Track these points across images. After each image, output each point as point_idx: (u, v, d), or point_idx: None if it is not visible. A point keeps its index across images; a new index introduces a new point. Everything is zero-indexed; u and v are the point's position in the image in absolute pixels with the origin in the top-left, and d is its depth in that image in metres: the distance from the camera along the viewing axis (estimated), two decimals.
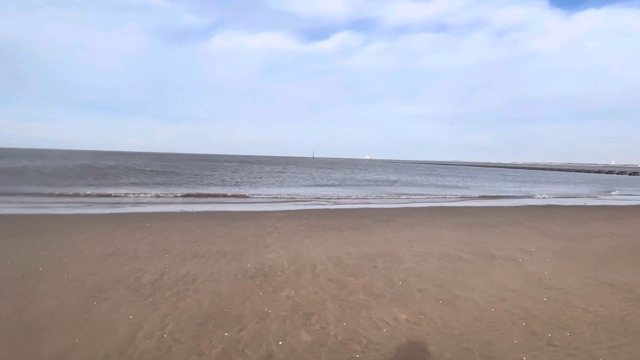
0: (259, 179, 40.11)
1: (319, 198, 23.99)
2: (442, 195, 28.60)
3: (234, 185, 32.18)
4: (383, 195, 27.35)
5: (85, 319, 5.09)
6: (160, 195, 22.77)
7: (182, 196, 22.75)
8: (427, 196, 27.33)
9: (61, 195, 21.14)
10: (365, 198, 25.22)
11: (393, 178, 50.70)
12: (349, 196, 25.91)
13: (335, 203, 21.56)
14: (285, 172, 56.80)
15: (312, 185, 34.54)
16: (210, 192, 25.13)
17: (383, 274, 7.51)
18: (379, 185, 37.41)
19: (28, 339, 4.51)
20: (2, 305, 5.47)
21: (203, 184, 31.61)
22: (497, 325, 5.28)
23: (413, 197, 26.66)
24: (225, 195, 23.89)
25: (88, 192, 22.60)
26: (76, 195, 21.40)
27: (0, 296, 5.83)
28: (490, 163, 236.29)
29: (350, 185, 36.39)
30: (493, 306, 5.96)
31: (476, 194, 29.58)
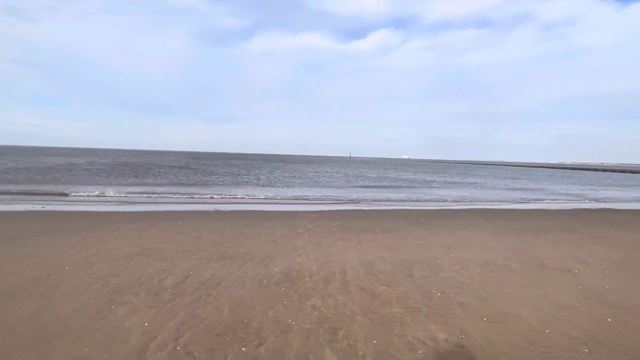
0: (293, 179, 40.00)
1: (352, 200, 23.38)
2: (483, 198, 27.22)
3: (268, 184, 32.16)
4: (420, 196, 26.36)
5: (99, 325, 4.83)
6: (195, 194, 22.98)
7: (215, 196, 22.86)
8: (471, 200, 26.08)
9: (101, 194, 21.75)
10: (401, 200, 24.35)
11: (429, 178, 49.18)
12: (388, 198, 25.14)
13: (370, 204, 20.90)
14: (319, 172, 56.50)
15: (346, 186, 33.96)
16: (243, 194, 25.15)
17: (419, 284, 6.87)
18: (415, 185, 36.29)
19: (38, 345, 4.29)
20: (22, 306, 5.33)
21: (238, 184, 31.81)
22: (554, 351, 4.54)
23: (451, 198, 25.49)
24: (256, 199, 23.79)
25: (128, 190, 23.18)
26: (116, 193, 21.97)
27: (23, 296, 5.72)
28: (535, 163, 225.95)
29: (385, 185, 35.51)
30: (548, 327, 5.20)
31: (517, 197, 27.94)
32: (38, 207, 15.64)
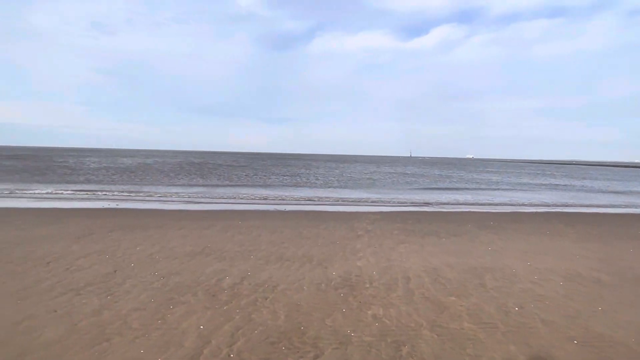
0: (350, 179, 39.57)
1: (414, 203, 22.49)
2: (560, 202, 24.97)
3: (325, 185, 32.04)
4: (488, 198, 24.74)
5: (156, 325, 4.79)
6: (255, 194, 23.39)
7: (274, 196, 23.10)
8: (545, 203, 24.07)
9: (167, 194, 22.84)
10: (468, 203, 22.98)
11: (496, 178, 46.23)
12: (455, 200, 23.92)
13: (433, 206, 19.92)
14: (378, 172, 55.47)
15: (406, 188, 32.89)
16: (301, 195, 25.18)
17: (493, 295, 6.18)
18: (481, 187, 34.23)
19: (97, 343, 4.30)
20: (87, 302, 5.48)
21: (296, 184, 32.04)
22: None
23: (523, 200, 23.63)
24: (314, 200, 23.69)
25: (193, 190, 24.17)
26: (182, 192, 22.98)
27: (90, 292, 5.89)
28: (619, 162, 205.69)
29: (449, 187, 33.90)
30: None
31: (601, 200, 25.26)
32: (113, 205, 16.69)
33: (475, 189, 31.85)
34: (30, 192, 21.30)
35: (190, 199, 19.93)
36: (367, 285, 6.50)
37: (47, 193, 21.04)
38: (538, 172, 71.20)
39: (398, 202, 20.78)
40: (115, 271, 6.93)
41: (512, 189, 32.17)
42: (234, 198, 21.08)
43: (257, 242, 9.70)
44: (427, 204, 20.49)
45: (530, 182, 41.80)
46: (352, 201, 21.24)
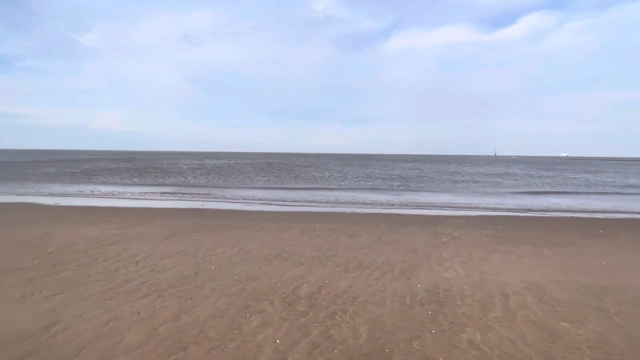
0: (429, 180, 37.78)
1: (502, 207, 20.64)
2: None
3: (403, 186, 30.89)
4: (588, 200, 21.89)
5: (232, 336, 4.60)
6: (331, 195, 23.19)
7: (350, 198, 22.69)
8: None
9: (248, 198, 23.52)
10: (570, 209, 20.51)
11: (596, 179, 40.95)
12: (555, 206, 21.59)
13: (523, 209, 18.03)
14: (458, 172, 52.38)
15: (495, 192, 30.48)
16: (377, 197, 24.46)
17: (618, 323, 5.11)
18: (579, 189, 30.49)
19: (175, 352, 4.20)
20: (168, 305, 5.50)
21: (373, 186, 31.33)
22: None
23: (632, 206, 20.50)
24: (394, 203, 22.82)
25: (271, 194, 24.67)
26: (263, 194, 23.55)
27: (171, 294, 5.94)
28: None
29: (540, 189, 30.74)
30: None
31: None
32: (198, 205, 17.53)
33: (572, 192, 28.40)
34: (130, 192, 23.33)
35: (268, 201, 20.29)
36: (459, 302, 5.77)
37: (143, 193, 22.87)
38: None
39: (484, 207, 19.17)
40: (196, 273, 6.99)
41: (618, 193, 28.17)
42: (311, 201, 21.08)
43: (334, 246, 9.34)
44: (523, 208, 18.61)
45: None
46: (434, 205, 20.07)
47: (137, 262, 7.65)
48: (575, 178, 42.75)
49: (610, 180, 40.40)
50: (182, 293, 5.99)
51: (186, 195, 22.19)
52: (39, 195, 20.92)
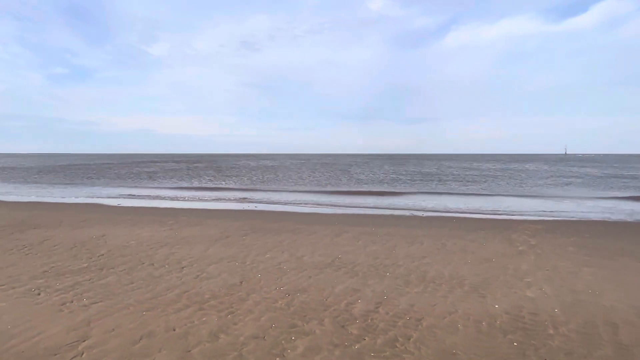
0: (484, 178, 35.16)
1: (583, 210, 18.40)
2: None
3: (458, 185, 28.90)
4: None
5: None
6: (386, 195, 22.09)
7: (406, 199, 21.43)
8: None
9: (299, 202, 23.07)
10: None
11: None
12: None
13: (610, 212, 15.80)
14: (525, 169, 48.43)
15: (565, 191, 27.58)
16: (433, 201, 22.95)
17: None
18: None
19: None
20: (207, 320, 4.94)
21: (430, 188, 29.69)
22: None
23: None
24: (449, 205, 21.23)
25: (324, 198, 24.06)
26: (317, 195, 23.01)
27: (212, 307, 5.40)
28: None
29: (626, 192, 27.33)
30: None
31: None
32: (252, 206, 17.31)
33: None
34: (188, 193, 23.83)
35: (322, 202, 19.67)
36: (551, 332, 4.65)
37: (200, 194, 23.24)
38: None
39: (562, 210, 17.11)
40: (241, 282, 6.43)
41: None
42: (365, 200, 20.15)
43: (393, 254, 8.42)
44: (607, 211, 16.37)
45: None
46: (504, 211, 18.31)
47: (182, 268, 7.26)
48: None
49: None
50: (223, 306, 5.42)
51: (241, 196, 22.19)
52: (104, 197, 21.91)
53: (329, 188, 27.37)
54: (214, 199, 20.71)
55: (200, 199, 20.62)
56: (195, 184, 31.22)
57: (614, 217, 14.60)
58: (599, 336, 4.53)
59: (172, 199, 20.61)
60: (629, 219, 14.16)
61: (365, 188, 27.42)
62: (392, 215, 14.65)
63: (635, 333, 4.62)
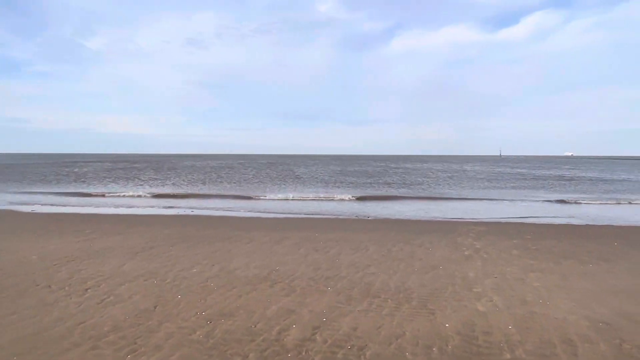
0: (430, 179, 36.00)
1: (533, 215, 18.92)
2: None
3: (402, 185, 29.18)
4: (624, 196, 20.07)
5: None
6: (331, 198, 21.56)
7: (358, 198, 21.04)
8: None
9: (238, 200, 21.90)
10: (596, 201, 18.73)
11: (607, 176, 38.89)
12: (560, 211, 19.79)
13: (549, 214, 16.29)
14: (465, 170, 50.40)
15: (502, 192, 28.64)
16: (386, 194, 22.80)
17: None
18: (617, 188, 28.59)
19: None
20: (103, 358, 3.88)
21: (382, 192, 29.67)
22: None
23: None
24: (397, 197, 21.14)
25: (269, 207, 23.09)
26: (258, 197, 21.95)
27: (110, 343, 4.33)
28: None
29: (555, 190, 28.93)
30: None
31: None
32: (188, 211, 15.96)
33: (593, 186, 26.53)
34: (121, 196, 21.78)
35: (265, 208, 18.69)
36: (508, 356, 4.10)
37: (134, 197, 21.31)
38: None
39: (502, 212, 17.43)
40: (155, 307, 5.38)
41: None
42: (311, 201, 19.44)
43: (336, 264, 7.71)
44: (539, 210, 16.85)
45: None
46: (449, 212, 18.35)
47: (85, 290, 6.05)
48: (588, 177, 40.78)
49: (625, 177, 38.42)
50: (125, 341, 4.37)
51: (177, 200, 20.59)
52: (17, 203, 19.43)
53: (274, 189, 26.35)
54: (145, 204, 18.99)
55: (130, 204, 18.80)
56: (130, 186, 28.85)
57: (549, 220, 14.98)
58: (558, 358, 4.05)
59: (96, 205, 18.54)
60: (563, 222, 14.57)
61: (311, 189, 26.73)
62: (336, 219, 14.01)
63: (592, 350, 4.20)
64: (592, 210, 17.20)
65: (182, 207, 17.14)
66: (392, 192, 25.40)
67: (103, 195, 22.38)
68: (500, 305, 5.53)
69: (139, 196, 22.00)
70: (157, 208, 17.21)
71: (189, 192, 24.54)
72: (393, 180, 35.23)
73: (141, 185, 29.59)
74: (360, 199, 21.33)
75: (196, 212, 15.86)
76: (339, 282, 6.58)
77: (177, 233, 10.79)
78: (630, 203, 19.89)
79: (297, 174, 44.53)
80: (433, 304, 5.56)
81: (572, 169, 62.11)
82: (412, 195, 23.29)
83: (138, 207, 17.60)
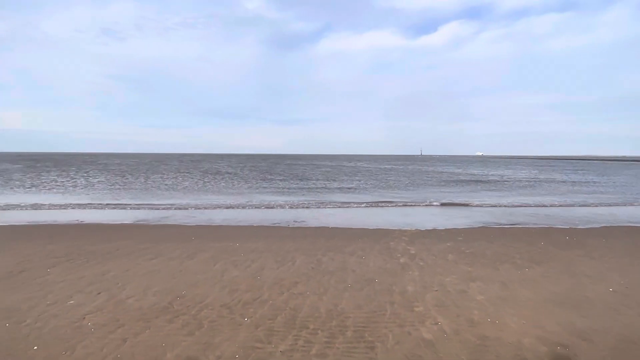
0: (359, 180, 36.22)
1: (449, 205, 19.16)
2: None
3: (324, 187, 28.79)
4: (539, 199, 21.24)
5: None
6: (261, 203, 20.25)
7: (276, 203, 19.92)
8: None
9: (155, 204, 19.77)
10: (513, 205, 19.51)
11: (527, 175, 42.24)
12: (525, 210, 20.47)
13: (477, 211, 16.53)
14: (392, 169, 51.80)
15: (427, 189, 29.43)
16: (307, 200, 22.00)
17: None
18: (533, 185, 30.54)
19: None
20: None
21: (310, 188, 28.85)
22: None
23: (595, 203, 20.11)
24: (325, 203, 20.46)
25: (189, 199, 21.14)
26: (179, 202, 19.90)
27: None
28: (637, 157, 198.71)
29: (474, 187, 30.39)
30: None
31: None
32: (88, 217, 13.63)
33: (506, 185, 28.17)
34: (5, 201, 18.34)
35: (186, 215, 16.80)
36: None
37: (20, 203, 18.04)
38: (555, 168, 66.87)
39: (431, 208, 17.40)
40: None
41: (546, 183, 28.44)
42: (233, 206, 17.94)
43: (257, 283, 6.52)
44: (467, 204, 17.07)
45: (567, 179, 37.89)
46: (378, 217, 17.92)
47: None
48: (510, 176, 43.76)
49: (536, 176, 41.82)
50: None
51: (76, 204, 17.78)
52: None
53: (192, 193, 24.26)
54: (34, 208, 16.06)
55: (14, 207, 15.75)
56: (18, 189, 24.76)
57: (486, 221, 15.12)
58: None
59: None
60: (474, 224, 14.76)
61: (236, 191, 25.06)
62: (260, 226, 12.70)
63: None
64: (507, 210, 17.81)
65: (83, 211, 14.64)
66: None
67: None
68: (448, 329, 4.74)
69: (34, 204, 18.73)
70: (48, 212, 14.53)
71: (91, 196, 21.60)
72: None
73: (38, 186, 25.59)
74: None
75: (98, 217, 13.60)
76: (260, 308, 5.40)
77: (63, 249, 8.84)
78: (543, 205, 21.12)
79: (225, 177, 42.31)
80: (372, 334, 4.61)
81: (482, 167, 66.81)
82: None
83: (23, 208, 14.72)
